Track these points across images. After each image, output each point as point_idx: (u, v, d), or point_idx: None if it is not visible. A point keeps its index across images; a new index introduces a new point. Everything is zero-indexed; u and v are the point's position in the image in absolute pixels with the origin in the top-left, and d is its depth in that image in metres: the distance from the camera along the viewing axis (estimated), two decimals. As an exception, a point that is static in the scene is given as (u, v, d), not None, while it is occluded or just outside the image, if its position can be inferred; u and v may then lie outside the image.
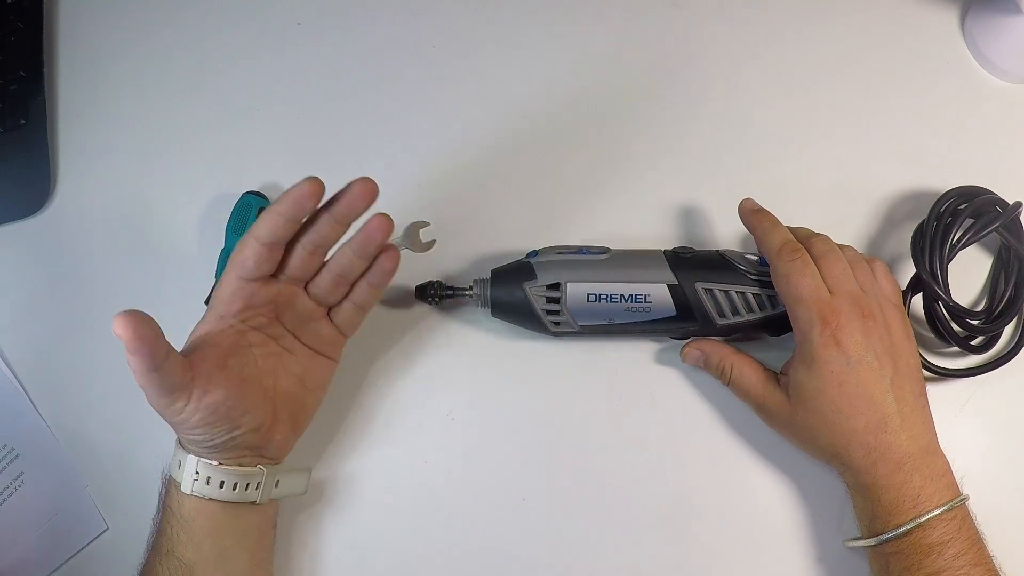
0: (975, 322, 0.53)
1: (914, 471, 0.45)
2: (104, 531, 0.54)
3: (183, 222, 0.59)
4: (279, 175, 0.60)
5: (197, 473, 0.45)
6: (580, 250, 0.52)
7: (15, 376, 0.56)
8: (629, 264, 0.52)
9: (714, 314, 0.51)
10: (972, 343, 0.53)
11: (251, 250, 0.44)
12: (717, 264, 0.52)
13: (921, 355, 0.51)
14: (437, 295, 0.53)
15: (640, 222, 0.58)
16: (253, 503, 0.46)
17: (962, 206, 0.53)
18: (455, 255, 0.57)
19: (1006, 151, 0.60)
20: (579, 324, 0.51)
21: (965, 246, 0.52)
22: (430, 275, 0.55)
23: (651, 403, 0.55)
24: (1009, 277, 0.54)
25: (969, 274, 0.56)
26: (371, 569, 0.52)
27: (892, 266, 0.56)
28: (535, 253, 0.52)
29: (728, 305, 0.51)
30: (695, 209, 0.58)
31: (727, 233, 0.58)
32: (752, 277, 0.51)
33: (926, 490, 0.45)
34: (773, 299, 0.51)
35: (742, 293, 0.51)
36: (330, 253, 0.48)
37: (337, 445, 0.54)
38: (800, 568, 0.51)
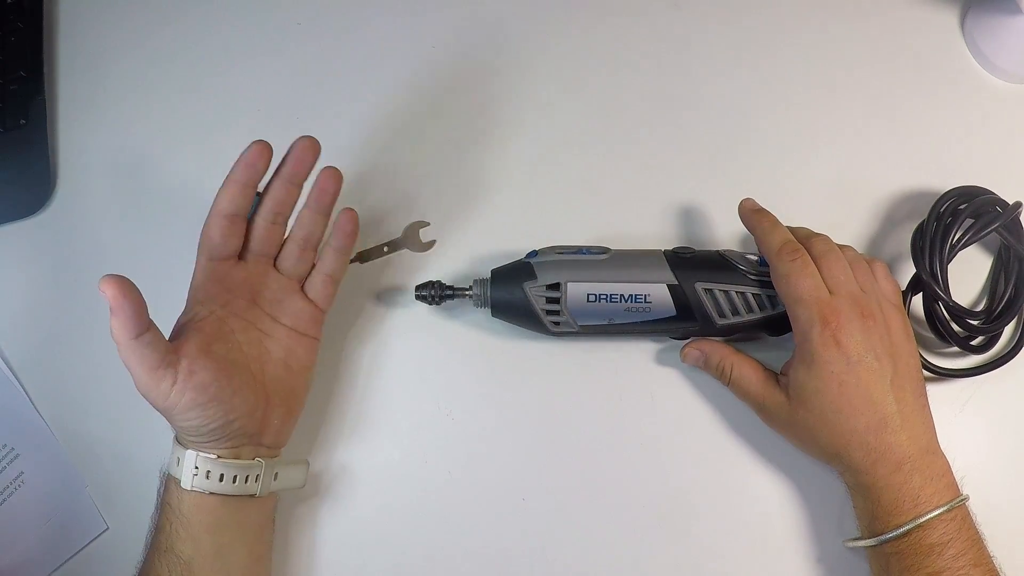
0: (975, 322, 0.53)
1: (914, 471, 0.45)
2: (104, 531, 0.54)
3: (183, 222, 0.59)
4: (279, 175, 0.60)
5: (196, 468, 0.45)
6: (580, 250, 0.52)
7: (15, 376, 0.56)
8: (629, 264, 0.52)
9: (714, 314, 0.51)
10: (972, 343, 0.53)
11: (215, 225, 0.47)
12: (717, 264, 0.52)
13: (921, 355, 0.51)
14: (437, 295, 0.53)
15: (640, 222, 0.58)
16: (252, 496, 0.47)
17: (962, 206, 0.53)
18: (455, 255, 0.57)
19: (1006, 151, 0.60)
20: (579, 324, 0.51)
21: (965, 246, 0.52)
22: (430, 275, 0.55)
23: (651, 403, 0.55)
24: (1009, 277, 0.54)
25: (969, 274, 0.56)
26: (371, 569, 0.52)
27: (892, 266, 0.56)
28: (535, 253, 0.52)
29: (728, 305, 0.51)
30: (695, 209, 0.58)
31: (727, 233, 0.58)
32: (752, 277, 0.51)
33: (926, 490, 0.45)
34: (773, 299, 0.51)
35: (742, 293, 0.51)
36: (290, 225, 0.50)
37: (337, 445, 0.54)
38: (800, 568, 0.51)
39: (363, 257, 0.55)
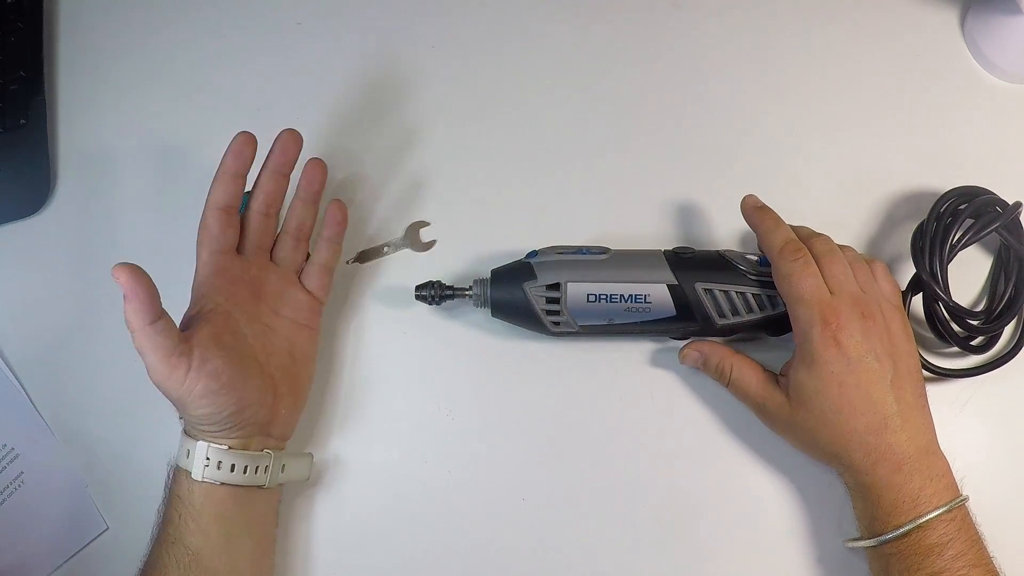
0: (975, 322, 0.53)
1: (914, 472, 0.45)
2: (104, 531, 0.54)
3: (182, 223, 0.59)
4: (279, 175, 0.59)
5: (208, 458, 0.45)
6: (580, 250, 0.52)
7: (15, 376, 0.56)
8: (629, 264, 0.52)
9: (714, 314, 0.51)
10: (972, 343, 0.53)
11: (213, 218, 0.49)
12: (717, 264, 0.52)
13: (921, 355, 0.51)
14: (437, 295, 0.53)
15: (640, 222, 0.58)
16: (261, 487, 0.47)
17: (962, 206, 0.53)
18: (455, 255, 0.57)
19: (1006, 151, 0.60)
20: (579, 324, 0.51)
21: (965, 246, 0.52)
22: (430, 275, 0.54)
23: (651, 403, 0.55)
24: (1009, 277, 0.54)
25: (969, 274, 0.56)
26: (370, 568, 0.52)
27: (892, 266, 0.56)
28: (535, 253, 0.52)
29: (728, 305, 0.51)
30: (695, 209, 0.58)
31: (727, 233, 0.57)
32: (752, 277, 0.51)
33: (926, 491, 0.45)
34: (773, 299, 0.51)
35: (742, 293, 0.51)
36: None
37: (337, 444, 0.54)
38: (800, 568, 0.51)
39: (363, 257, 0.55)
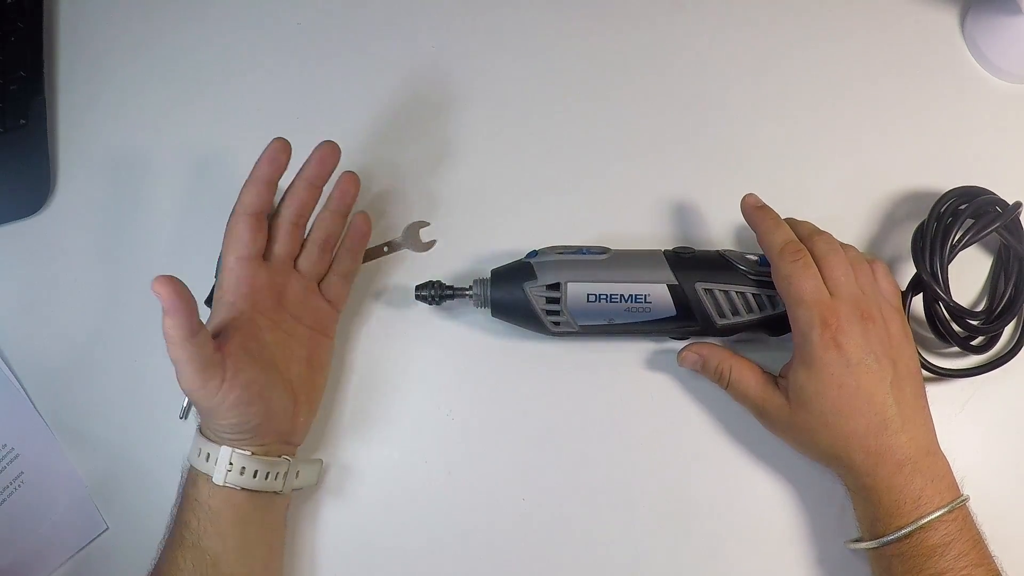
0: (975, 322, 0.53)
1: (915, 473, 0.45)
2: (104, 531, 0.53)
3: (183, 222, 0.59)
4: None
5: (231, 464, 0.45)
6: (580, 250, 0.52)
7: (15, 376, 0.56)
8: (629, 264, 0.52)
9: (714, 314, 0.51)
10: (972, 343, 0.53)
11: (243, 224, 0.48)
12: (717, 264, 0.52)
13: (921, 355, 0.51)
14: (437, 295, 0.53)
15: (640, 222, 0.58)
16: (276, 493, 0.47)
17: (962, 206, 0.53)
18: (455, 255, 0.57)
19: (1006, 151, 0.59)
20: (579, 324, 0.51)
21: (965, 246, 0.52)
22: (430, 275, 0.54)
23: (651, 403, 0.55)
24: (1009, 277, 0.54)
25: (969, 274, 0.56)
26: (371, 568, 0.52)
27: (892, 266, 0.56)
28: (535, 253, 0.52)
29: (728, 305, 0.51)
30: (695, 209, 0.58)
31: (727, 233, 0.57)
32: (752, 277, 0.51)
33: (927, 491, 0.45)
34: (773, 299, 0.51)
35: (742, 293, 0.51)
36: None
37: (337, 444, 0.54)
38: (801, 570, 0.51)
39: (363, 257, 0.55)
